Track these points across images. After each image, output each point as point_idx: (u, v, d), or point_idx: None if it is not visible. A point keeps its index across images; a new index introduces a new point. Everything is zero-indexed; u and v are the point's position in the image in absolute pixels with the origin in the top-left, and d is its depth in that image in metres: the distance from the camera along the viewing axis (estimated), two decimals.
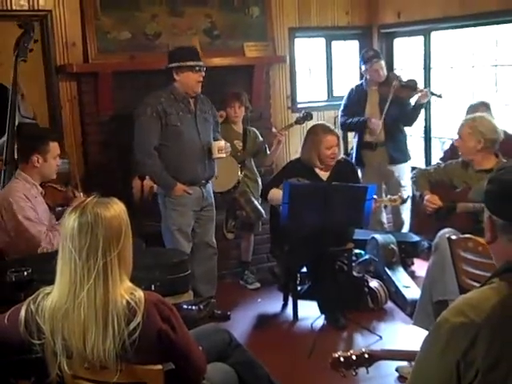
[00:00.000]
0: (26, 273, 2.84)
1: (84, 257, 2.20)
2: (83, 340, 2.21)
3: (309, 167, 4.93)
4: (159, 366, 2.25)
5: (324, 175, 4.94)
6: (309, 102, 6.70)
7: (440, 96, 5.81)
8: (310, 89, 6.83)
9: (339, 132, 6.34)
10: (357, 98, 6.02)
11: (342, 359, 2.26)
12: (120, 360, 2.22)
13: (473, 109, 5.12)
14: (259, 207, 5.40)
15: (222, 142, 4.85)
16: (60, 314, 2.23)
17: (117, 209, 2.30)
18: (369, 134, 5.93)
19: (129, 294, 2.24)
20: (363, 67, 5.99)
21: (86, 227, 2.21)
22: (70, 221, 2.24)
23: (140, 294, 2.26)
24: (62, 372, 2.28)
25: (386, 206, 6.18)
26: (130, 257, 2.33)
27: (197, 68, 4.62)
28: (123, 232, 2.27)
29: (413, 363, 2.04)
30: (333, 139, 4.83)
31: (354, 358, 2.25)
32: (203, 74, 4.65)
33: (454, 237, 3.85)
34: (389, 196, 4.91)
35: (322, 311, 4.86)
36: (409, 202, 5.92)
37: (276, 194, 4.87)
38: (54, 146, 3.96)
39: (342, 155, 5.04)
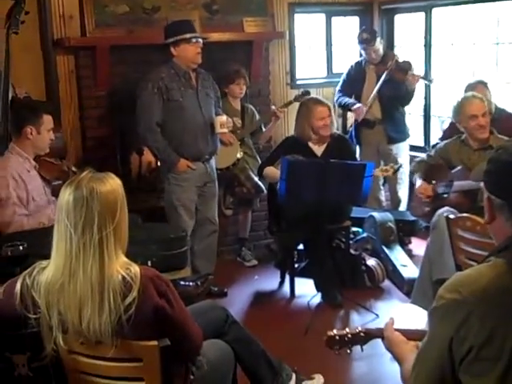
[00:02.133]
0: (21, 247, 2.82)
1: (79, 231, 2.18)
2: (79, 314, 2.20)
3: (303, 143, 4.94)
4: (154, 342, 2.23)
5: (318, 150, 4.94)
6: (308, 79, 6.66)
7: (431, 81, 5.80)
8: (309, 65, 6.78)
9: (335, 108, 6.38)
10: (355, 75, 6.01)
11: (337, 337, 2.25)
12: (116, 335, 2.21)
13: (471, 88, 5.08)
14: (259, 183, 5.41)
15: (224, 117, 4.84)
16: (56, 289, 2.22)
17: (113, 183, 2.28)
18: (355, 120, 5.93)
19: (124, 269, 2.22)
20: (359, 47, 5.97)
21: (82, 201, 2.18)
22: (65, 195, 2.22)
23: (136, 269, 2.24)
24: (57, 347, 2.26)
25: (384, 183, 6.18)
26: (125, 232, 2.31)
27: (193, 40, 4.58)
28: (119, 207, 2.25)
29: None
30: (324, 110, 4.86)
31: (349, 336, 2.24)
32: (201, 44, 4.62)
33: (451, 216, 3.83)
34: (381, 167, 4.90)
35: (318, 289, 4.85)
36: (407, 181, 5.92)
37: (271, 171, 4.91)
38: (47, 119, 3.92)
39: (335, 129, 5.06)
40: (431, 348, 1.65)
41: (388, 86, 5.78)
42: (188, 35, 4.57)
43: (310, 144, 4.95)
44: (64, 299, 2.21)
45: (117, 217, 2.23)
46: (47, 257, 2.28)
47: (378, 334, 2.18)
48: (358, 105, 5.86)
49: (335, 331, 2.26)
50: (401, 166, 5.06)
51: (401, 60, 5.82)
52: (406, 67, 5.73)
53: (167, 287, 2.30)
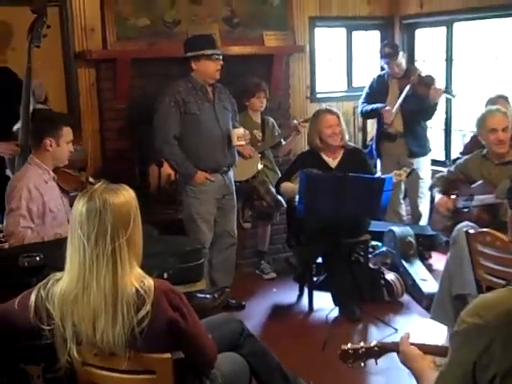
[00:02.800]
0: (38, 258, 2.83)
1: (92, 242, 2.19)
2: (93, 326, 2.20)
3: (317, 155, 4.96)
4: (168, 355, 2.23)
5: (333, 162, 4.96)
6: (328, 93, 6.66)
7: (454, 96, 5.76)
8: (329, 79, 6.78)
9: (359, 120, 6.37)
10: (378, 88, 5.98)
11: (350, 351, 2.23)
12: (129, 347, 2.21)
13: (491, 102, 5.06)
14: (279, 197, 5.39)
15: (242, 130, 4.84)
16: (70, 300, 2.23)
17: (126, 195, 2.28)
18: (384, 123, 5.88)
19: (139, 281, 2.22)
20: (381, 61, 5.95)
21: (94, 213, 2.19)
22: (79, 206, 2.24)
23: (150, 282, 2.24)
24: (71, 358, 2.27)
25: (405, 197, 6.14)
26: (139, 244, 2.32)
27: (215, 56, 4.59)
28: (132, 218, 2.25)
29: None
30: (332, 118, 4.91)
31: (363, 349, 2.22)
32: (221, 62, 4.63)
33: (471, 231, 3.79)
34: (394, 171, 4.88)
35: (336, 303, 4.83)
36: (428, 195, 5.87)
37: (288, 186, 4.96)
38: (67, 131, 3.94)
39: (348, 141, 5.06)
40: (453, 372, 1.61)
41: (410, 99, 5.76)
42: (209, 51, 4.59)
43: (324, 156, 4.96)
44: (78, 311, 2.22)
45: (130, 228, 2.24)
46: (62, 268, 2.29)
47: (394, 347, 2.16)
48: (387, 107, 5.81)
49: (349, 345, 2.25)
50: (413, 170, 5.04)
51: (423, 74, 5.80)
52: (429, 81, 5.71)
53: (180, 300, 2.30)
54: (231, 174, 4.92)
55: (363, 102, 6.06)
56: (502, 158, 4.35)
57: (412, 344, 2.09)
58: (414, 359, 2.02)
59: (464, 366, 1.57)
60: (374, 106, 5.91)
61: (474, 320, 1.56)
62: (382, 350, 2.19)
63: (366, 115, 6.16)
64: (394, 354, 3.92)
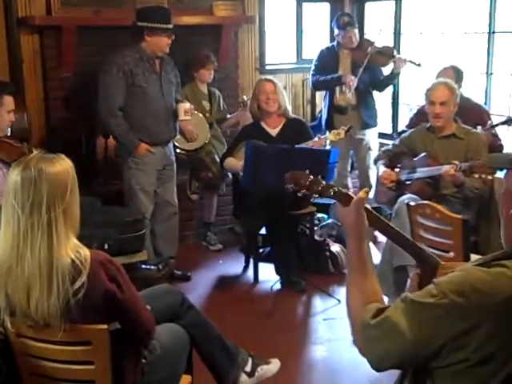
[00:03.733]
0: None
1: (27, 212, 2.16)
2: (27, 297, 2.18)
3: (258, 126, 4.98)
4: (104, 326, 2.22)
5: (273, 131, 4.98)
6: (277, 64, 6.65)
7: (419, 65, 5.77)
8: (279, 51, 6.76)
9: (308, 92, 6.36)
10: (328, 59, 5.93)
11: (308, 180, 2.00)
12: (64, 318, 2.19)
13: (441, 72, 5.10)
14: None
15: (188, 104, 4.82)
16: (3, 271, 2.20)
17: (63, 164, 2.25)
18: (341, 93, 5.86)
19: (74, 252, 2.20)
20: (336, 31, 5.91)
21: (29, 182, 2.16)
22: (13, 175, 2.19)
23: (86, 252, 2.22)
24: (5, 330, 2.25)
25: (352, 169, 6.17)
26: (76, 214, 2.29)
27: (169, 31, 4.54)
28: (69, 188, 2.22)
29: None
30: (268, 85, 4.95)
31: (321, 186, 2.00)
32: (173, 36, 4.58)
33: (412, 203, 3.85)
34: (332, 131, 4.92)
35: (279, 274, 4.87)
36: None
37: (231, 163, 4.98)
38: (8, 100, 3.85)
39: (287, 110, 5.04)
40: (403, 336, 1.52)
41: (365, 71, 5.75)
42: (164, 25, 4.51)
43: (264, 125, 4.98)
44: (12, 281, 2.19)
45: (66, 198, 2.21)
46: None
47: (346, 201, 1.91)
48: (348, 74, 5.74)
49: (311, 176, 2.02)
50: (351, 127, 5.06)
51: (379, 45, 5.80)
52: (389, 51, 5.73)
53: (118, 271, 2.29)
54: (171, 144, 4.90)
55: (314, 74, 6.02)
56: (442, 132, 4.40)
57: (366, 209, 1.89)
58: (361, 225, 1.85)
59: (426, 340, 1.50)
60: (331, 76, 5.82)
61: (458, 299, 1.47)
62: (336, 195, 1.96)
63: (322, 86, 6.06)
64: (336, 324, 4.00)
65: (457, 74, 5.13)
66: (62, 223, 2.20)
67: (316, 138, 4.85)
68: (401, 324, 1.54)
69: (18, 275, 2.18)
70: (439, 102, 4.32)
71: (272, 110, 4.93)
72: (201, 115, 5.38)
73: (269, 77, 5.18)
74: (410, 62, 5.74)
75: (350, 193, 1.95)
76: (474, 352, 1.47)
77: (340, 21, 5.86)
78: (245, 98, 5.66)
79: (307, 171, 2.05)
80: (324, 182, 2.01)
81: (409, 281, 2.05)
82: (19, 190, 2.17)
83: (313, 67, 6.05)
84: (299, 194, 2.05)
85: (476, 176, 3.81)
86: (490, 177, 3.77)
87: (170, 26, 4.55)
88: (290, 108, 5.13)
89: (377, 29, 6.71)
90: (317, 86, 6.13)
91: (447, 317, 1.49)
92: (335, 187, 1.98)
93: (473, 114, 4.84)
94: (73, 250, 2.21)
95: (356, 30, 5.87)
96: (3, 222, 2.22)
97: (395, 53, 5.75)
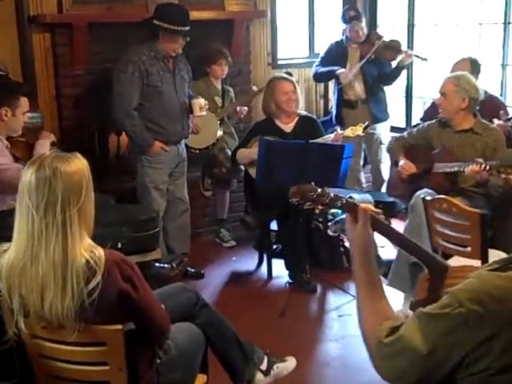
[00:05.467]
0: None
1: (42, 212, 2.13)
2: (41, 298, 2.16)
3: (271, 123, 4.94)
4: (119, 326, 2.20)
5: (287, 127, 4.94)
6: (289, 59, 6.60)
7: (425, 59, 5.73)
8: (291, 45, 6.72)
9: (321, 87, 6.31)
10: (336, 54, 5.90)
11: (312, 193, 1.95)
12: (79, 319, 2.17)
13: (458, 64, 5.05)
14: None
15: (202, 100, 4.79)
16: (17, 271, 2.17)
17: (78, 163, 2.22)
18: (350, 88, 5.83)
19: (89, 252, 2.17)
20: (343, 26, 5.88)
21: (44, 181, 2.13)
22: (28, 175, 2.17)
23: (100, 252, 2.19)
24: (19, 331, 2.22)
25: (365, 164, 6.13)
26: (91, 214, 2.26)
27: (185, 33, 4.49)
28: (84, 188, 2.19)
29: None
30: (288, 85, 4.90)
31: (330, 197, 1.95)
32: (188, 38, 4.55)
33: (428, 197, 3.80)
34: (350, 127, 4.88)
35: (288, 268, 4.84)
36: (388, 163, 5.88)
37: (243, 154, 4.92)
38: (24, 101, 3.86)
39: (300, 108, 5.05)
40: (425, 353, 1.47)
41: (373, 65, 5.73)
42: (182, 28, 4.46)
43: (278, 122, 4.94)
44: (26, 282, 2.17)
45: (82, 198, 2.18)
46: (10, 239, 2.23)
47: (353, 210, 1.86)
48: (342, 69, 5.74)
49: (319, 189, 1.98)
50: (369, 124, 5.04)
51: (387, 39, 5.76)
52: (396, 45, 5.70)
53: (132, 271, 2.26)
54: (183, 141, 4.88)
55: (317, 65, 5.99)
56: (459, 126, 4.35)
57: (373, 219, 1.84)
58: (367, 248, 1.81)
59: (441, 350, 1.45)
60: (328, 68, 5.82)
61: (475, 308, 1.41)
62: (343, 207, 1.94)
63: (320, 78, 6.07)
64: (350, 321, 3.97)
65: (473, 66, 5.06)
66: (76, 223, 2.17)
67: (332, 135, 4.80)
68: (415, 340, 1.49)
69: (32, 276, 2.16)
70: (440, 92, 4.34)
71: (292, 110, 4.91)
72: (211, 112, 5.33)
73: (284, 75, 5.14)
74: (416, 56, 5.71)
75: (359, 203, 1.89)
76: (494, 361, 1.42)
77: (346, 15, 5.84)
78: (254, 88, 5.62)
79: (313, 183, 2.00)
80: (332, 194, 1.96)
81: (417, 286, 2.01)
82: (34, 189, 2.14)
83: (319, 59, 6.02)
84: (305, 207, 1.98)
85: (503, 176, 3.75)
86: None
87: (187, 29, 4.49)
88: (300, 106, 5.09)
89: (390, 21, 6.68)
90: (316, 78, 6.11)
91: (465, 326, 1.43)
92: (343, 198, 1.94)
93: (489, 106, 4.78)
94: (87, 250, 2.18)
95: (363, 24, 5.83)
96: (17, 222, 2.20)
97: (402, 47, 5.71)
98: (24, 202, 2.17)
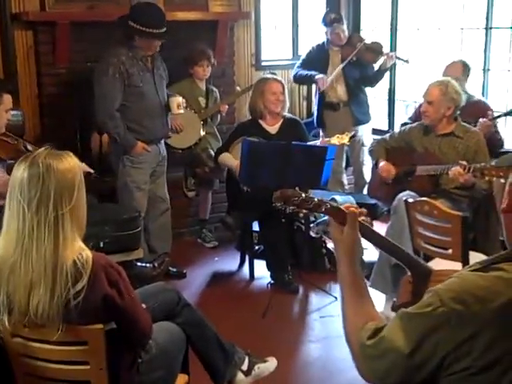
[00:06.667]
0: None
1: (33, 208, 2.11)
2: (28, 295, 2.13)
3: (256, 124, 4.93)
4: (100, 325, 2.18)
5: (272, 129, 4.93)
6: (273, 60, 6.61)
7: (407, 61, 5.77)
8: (274, 47, 6.73)
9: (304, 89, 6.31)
10: (317, 56, 5.92)
11: (297, 198, 1.92)
12: (62, 320, 2.14)
13: (450, 66, 5.07)
14: None
15: (180, 98, 4.78)
16: (7, 267, 2.15)
17: (71, 162, 2.20)
18: (327, 90, 5.85)
19: (77, 253, 2.15)
20: (324, 28, 5.90)
21: (37, 178, 2.11)
22: (19, 171, 2.14)
23: (88, 254, 2.17)
24: (2, 327, 2.20)
25: (347, 166, 6.15)
26: (83, 214, 2.25)
27: (161, 35, 4.46)
28: (76, 186, 2.18)
29: None
30: (277, 85, 4.89)
31: (302, 198, 1.92)
32: (164, 39, 4.52)
33: (410, 200, 3.82)
34: (336, 135, 4.87)
35: (269, 269, 4.85)
36: (370, 165, 5.91)
37: (225, 159, 4.91)
38: (7, 98, 3.82)
39: (286, 110, 5.03)
40: (407, 353, 1.48)
41: (355, 67, 5.75)
42: (157, 31, 4.42)
43: (263, 123, 4.93)
44: (14, 278, 2.14)
45: (74, 196, 2.16)
46: None
47: (340, 218, 1.83)
48: (321, 75, 5.75)
49: (303, 194, 1.95)
50: (356, 134, 5.05)
51: (369, 41, 5.79)
52: (378, 47, 5.73)
53: (119, 276, 2.24)
54: (163, 140, 4.86)
55: (298, 67, 6.00)
56: (440, 130, 4.37)
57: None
58: (353, 252, 1.81)
59: (423, 350, 1.45)
60: (308, 72, 5.82)
61: (457, 307, 1.43)
62: (327, 211, 1.89)
63: (299, 80, 6.07)
64: (331, 323, 3.97)
65: (464, 69, 5.09)
66: (69, 223, 2.15)
67: (318, 141, 4.80)
68: (397, 340, 1.50)
69: (22, 273, 2.13)
70: (427, 100, 4.33)
71: (278, 111, 4.91)
72: (193, 112, 5.33)
73: (274, 76, 5.14)
74: (398, 58, 5.75)
75: (343, 207, 1.88)
76: (476, 360, 1.43)
77: (327, 18, 5.86)
78: (238, 88, 5.62)
79: (297, 188, 1.98)
80: (316, 199, 1.94)
81: (400, 288, 2.02)
82: (26, 185, 2.11)
83: (300, 61, 6.03)
84: (288, 211, 1.95)
85: (486, 178, 3.77)
86: (502, 180, 3.73)
87: (163, 30, 4.45)
88: (286, 108, 5.07)
89: (373, 25, 6.71)
90: (296, 80, 6.11)
91: (447, 326, 1.44)
92: (327, 203, 1.91)
93: (475, 109, 4.80)
94: (76, 251, 2.16)
95: (344, 27, 5.86)
96: (7, 218, 2.17)
97: (384, 49, 5.74)
98: (15, 198, 2.14)
